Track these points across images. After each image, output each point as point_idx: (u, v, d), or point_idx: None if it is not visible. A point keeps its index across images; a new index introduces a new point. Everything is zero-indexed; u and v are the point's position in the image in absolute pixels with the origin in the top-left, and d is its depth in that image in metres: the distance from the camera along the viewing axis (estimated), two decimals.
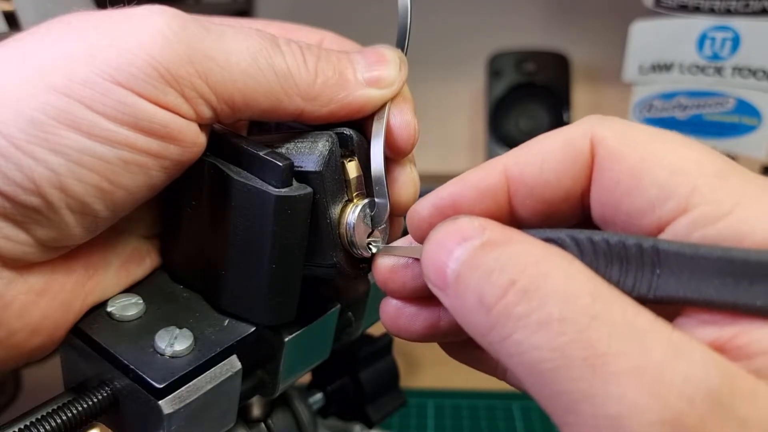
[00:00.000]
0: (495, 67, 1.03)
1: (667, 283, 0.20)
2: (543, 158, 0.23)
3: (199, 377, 0.26)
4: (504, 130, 1.04)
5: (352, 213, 0.27)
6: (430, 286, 0.22)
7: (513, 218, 0.24)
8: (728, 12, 0.70)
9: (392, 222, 0.30)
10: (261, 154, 0.26)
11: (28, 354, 0.26)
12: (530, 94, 1.03)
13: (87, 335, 0.27)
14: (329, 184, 0.27)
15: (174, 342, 0.26)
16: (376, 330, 0.34)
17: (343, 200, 0.27)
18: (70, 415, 0.25)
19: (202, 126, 0.26)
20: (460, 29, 1.07)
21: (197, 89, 0.24)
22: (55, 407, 0.25)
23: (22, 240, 0.24)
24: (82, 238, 0.26)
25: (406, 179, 0.29)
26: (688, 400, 0.17)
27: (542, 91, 1.03)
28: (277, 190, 0.25)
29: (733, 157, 0.82)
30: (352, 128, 0.28)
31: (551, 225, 0.24)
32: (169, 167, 0.25)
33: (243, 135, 0.29)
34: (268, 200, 0.25)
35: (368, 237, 0.28)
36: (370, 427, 0.43)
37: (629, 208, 0.21)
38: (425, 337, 0.26)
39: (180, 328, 0.27)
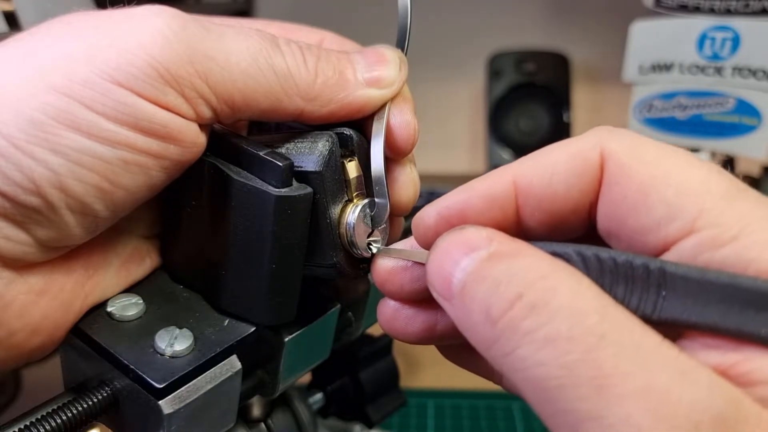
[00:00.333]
0: (495, 67, 1.03)
1: (673, 305, 0.20)
2: (552, 170, 0.23)
3: (199, 377, 0.26)
4: (504, 130, 1.05)
5: (352, 213, 0.27)
6: (435, 295, 0.22)
7: (520, 228, 0.24)
8: (728, 12, 0.70)
9: (392, 222, 0.30)
10: (261, 154, 0.26)
11: (28, 354, 0.26)
12: (530, 94, 1.04)
13: (87, 335, 0.27)
14: (329, 184, 0.27)
15: (174, 342, 0.26)
16: (376, 330, 0.34)
17: (343, 200, 0.27)
18: (70, 415, 0.25)
19: (202, 126, 0.26)
20: (460, 29, 1.07)
21: (197, 89, 0.24)
22: (55, 407, 0.25)
23: (22, 240, 0.24)
24: (82, 238, 0.26)
25: (406, 179, 0.29)
26: (694, 425, 0.17)
27: (542, 91, 1.03)
28: (277, 190, 0.25)
29: (733, 158, 0.82)
30: (352, 128, 0.28)
31: (557, 236, 0.23)
32: (169, 167, 0.25)
33: (243, 135, 0.29)
34: (268, 200, 0.25)
35: (368, 237, 0.28)
36: (370, 427, 0.43)
37: (635, 225, 0.21)
38: (422, 340, 0.26)
39: (180, 328, 0.27)
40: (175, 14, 0.25)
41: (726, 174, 0.21)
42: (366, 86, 0.27)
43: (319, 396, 0.42)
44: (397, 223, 0.31)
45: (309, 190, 0.26)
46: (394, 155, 0.28)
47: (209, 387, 0.26)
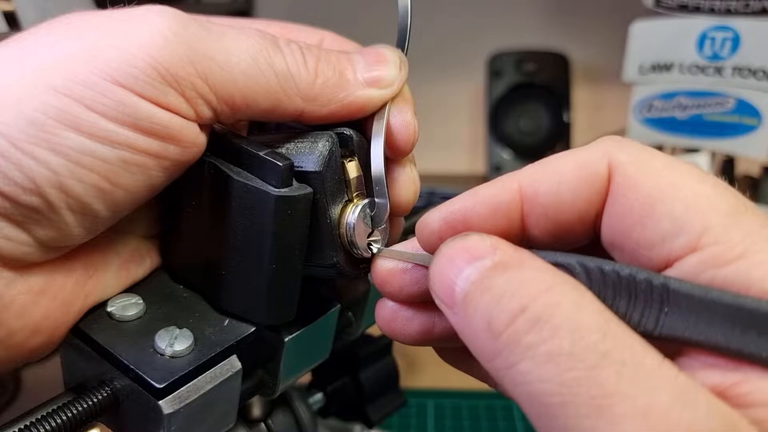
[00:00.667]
0: (495, 67, 1.03)
1: (675, 322, 0.20)
2: (560, 179, 0.22)
3: (199, 377, 0.26)
4: (504, 130, 1.05)
5: (352, 213, 0.27)
6: (437, 302, 0.22)
7: (524, 236, 0.24)
8: (728, 12, 0.70)
9: (392, 222, 0.30)
10: (261, 154, 0.26)
11: (28, 354, 0.26)
12: (530, 94, 1.04)
13: (87, 335, 0.27)
14: (329, 184, 0.27)
15: (174, 342, 0.26)
16: (376, 330, 0.34)
17: (343, 200, 0.27)
18: (70, 415, 0.25)
19: (202, 126, 0.26)
20: (460, 29, 1.07)
21: (197, 89, 0.24)
22: (55, 407, 0.25)
23: (22, 240, 0.24)
24: (82, 238, 0.26)
25: (406, 179, 0.29)
26: None
27: (542, 91, 1.04)
28: (277, 190, 0.25)
29: (733, 158, 0.82)
30: (352, 128, 0.28)
31: (561, 245, 0.23)
32: (169, 167, 0.25)
33: (243, 135, 0.29)
34: (268, 200, 0.25)
35: (368, 237, 0.28)
36: (370, 427, 0.43)
37: (639, 238, 0.21)
38: (419, 341, 0.26)
39: (180, 328, 0.27)
40: (176, 14, 0.25)
41: (732, 190, 0.21)
42: (366, 86, 0.27)
43: (319, 396, 0.42)
44: (397, 223, 0.31)
45: (309, 190, 0.26)
46: (394, 155, 0.28)
47: (209, 387, 0.26)
